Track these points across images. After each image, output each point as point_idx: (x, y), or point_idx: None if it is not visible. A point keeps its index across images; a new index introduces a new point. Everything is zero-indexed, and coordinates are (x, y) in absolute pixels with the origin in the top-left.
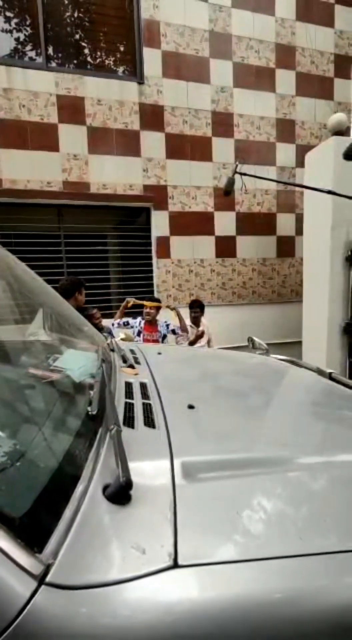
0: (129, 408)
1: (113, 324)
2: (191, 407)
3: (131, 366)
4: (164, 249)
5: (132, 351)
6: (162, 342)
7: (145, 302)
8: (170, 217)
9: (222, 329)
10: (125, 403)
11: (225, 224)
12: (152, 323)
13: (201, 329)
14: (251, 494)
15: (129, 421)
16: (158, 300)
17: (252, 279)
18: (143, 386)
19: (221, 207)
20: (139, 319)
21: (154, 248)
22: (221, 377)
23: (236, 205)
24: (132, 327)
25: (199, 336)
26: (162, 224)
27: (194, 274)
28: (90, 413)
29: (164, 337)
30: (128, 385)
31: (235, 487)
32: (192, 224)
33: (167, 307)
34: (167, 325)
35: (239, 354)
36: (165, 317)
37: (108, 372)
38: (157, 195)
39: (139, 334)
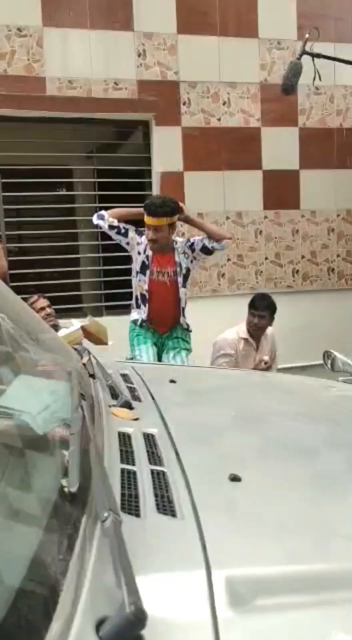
0: (129, 480)
1: (103, 216)
2: (234, 479)
3: (127, 405)
4: (174, 195)
5: (125, 377)
6: (185, 282)
7: (147, 219)
8: (184, 138)
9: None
10: (123, 471)
11: (280, 149)
12: (163, 251)
13: (265, 358)
14: (345, 637)
15: (131, 504)
16: (170, 210)
17: (328, 246)
18: (149, 440)
19: (273, 120)
20: (144, 238)
21: (156, 193)
22: (276, 423)
23: (299, 116)
24: (129, 242)
25: (267, 366)
26: (170, 150)
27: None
28: (66, 491)
29: (188, 273)
30: (124, 439)
31: (317, 624)
32: (222, 149)
33: (180, 218)
34: (191, 247)
35: (305, 382)
36: (187, 232)
37: (90, 416)
38: (163, 98)
39: (143, 268)
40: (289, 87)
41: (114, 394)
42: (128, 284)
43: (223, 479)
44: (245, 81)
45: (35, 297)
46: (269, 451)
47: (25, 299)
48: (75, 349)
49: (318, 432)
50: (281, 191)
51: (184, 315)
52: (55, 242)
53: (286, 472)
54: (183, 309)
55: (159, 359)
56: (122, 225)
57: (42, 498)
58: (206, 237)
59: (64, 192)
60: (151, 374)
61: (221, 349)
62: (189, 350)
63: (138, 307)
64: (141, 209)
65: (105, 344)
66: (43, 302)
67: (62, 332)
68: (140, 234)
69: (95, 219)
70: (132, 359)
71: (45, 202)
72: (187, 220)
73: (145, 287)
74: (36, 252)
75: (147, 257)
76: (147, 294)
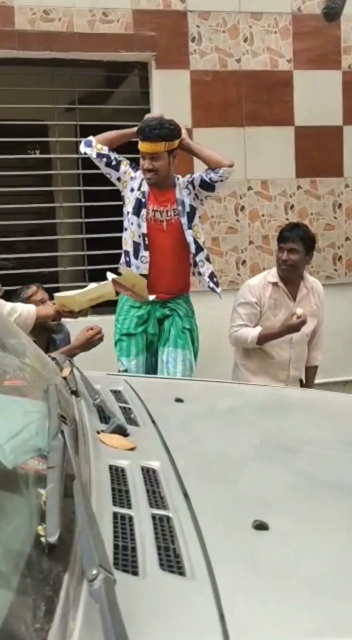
0: (123, 528)
1: (91, 142)
2: (260, 527)
3: (120, 430)
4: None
5: (118, 395)
6: (190, 222)
7: (142, 146)
8: (193, 84)
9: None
10: (116, 516)
11: (318, 99)
12: (163, 187)
13: (298, 311)
14: None
15: (127, 559)
16: (169, 133)
17: None
18: (150, 476)
19: (308, 61)
20: (140, 173)
21: None
22: (313, 454)
23: (342, 56)
24: (120, 177)
25: (293, 328)
26: (175, 100)
27: (247, 215)
28: (44, 541)
29: (193, 212)
30: (117, 475)
31: None
32: (243, 99)
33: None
34: (192, 182)
35: (350, 401)
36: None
37: (73, 445)
38: (165, 34)
39: (138, 208)
40: (332, 11)
41: (104, 417)
42: None
43: (245, 527)
44: (272, 11)
45: (33, 287)
46: (303, 491)
47: (17, 290)
48: (54, 358)
49: None
50: (319, 153)
51: (198, 265)
52: (27, 219)
53: (325, 518)
54: (196, 260)
55: (153, 346)
56: (114, 155)
57: (12, 551)
58: (205, 170)
59: (38, 155)
60: (151, 391)
61: (241, 296)
62: (194, 348)
63: (128, 264)
64: (133, 129)
65: (146, 299)
66: (42, 294)
67: (90, 286)
68: (135, 168)
69: (82, 147)
70: (126, 370)
71: (13, 168)
72: (185, 147)
73: (142, 230)
74: (2, 232)
75: (143, 193)
76: (143, 240)
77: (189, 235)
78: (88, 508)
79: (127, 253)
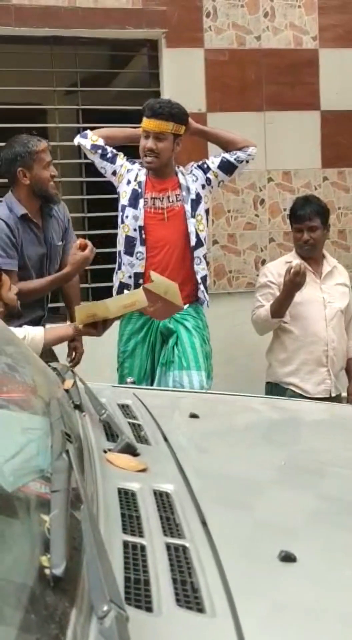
0: (135, 559)
1: (87, 135)
2: (287, 558)
3: (129, 449)
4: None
5: (126, 410)
6: (194, 210)
7: (147, 123)
8: (208, 64)
9: None
10: (126, 546)
11: (347, 80)
12: (162, 175)
13: (294, 262)
14: None
15: (140, 594)
16: (179, 114)
17: None
18: (163, 501)
19: (336, 38)
20: (137, 165)
21: None
22: (346, 477)
23: None
24: (116, 170)
25: (290, 282)
26: (187, 82)
27: (268, 209)
28: (48, 574)
29: (198, 199)
30: (127, 499)
31: None
32: (263, 81)
33: (192, 132)
34: (202, 166)
35: None
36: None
37: (78, 466)
38: (177, 8)
39: (134, 198)
40: None
41: (111, 434)
42: None
43: (270, 559)
44: None
45: (44, 142)
46: (334, 518)
47: (22, 138)
48: (55, 369)
49: None
50: (347, 141)
51: (193, 261)
52: None
53: None
54: (193, 254)
55: (152, 356)
56: (110, 148)
57: (13, 584)
58: (224, 152)
59: None
60: (164, 405)
61: (259, 280)
62: (208, 366)
63: (119, 267)
64: (138, 130)
65: (180, 307)
66: (49, 156)
67: (121, 295)
68: (132, 161)
69: (76, 139)
70: (134, 382)
71: None
72: (200, 133)
73: (139, 223)
74: None
75: (139, 183)
76: (140, 234)
77: (191, 225)
78: (97, 536)
79: (118, 253)
